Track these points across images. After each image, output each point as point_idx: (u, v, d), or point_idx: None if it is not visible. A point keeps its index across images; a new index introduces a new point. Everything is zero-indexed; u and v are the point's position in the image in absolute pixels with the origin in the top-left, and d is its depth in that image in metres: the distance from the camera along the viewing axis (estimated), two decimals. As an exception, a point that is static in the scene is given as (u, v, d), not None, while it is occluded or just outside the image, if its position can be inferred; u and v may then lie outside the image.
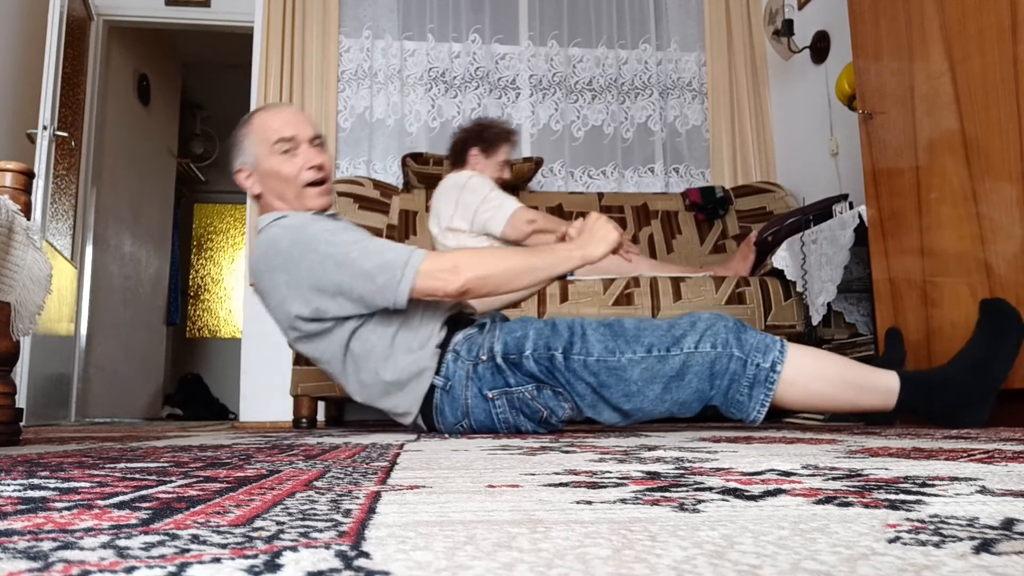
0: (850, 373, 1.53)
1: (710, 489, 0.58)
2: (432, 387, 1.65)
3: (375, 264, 1.55)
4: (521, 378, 1.59)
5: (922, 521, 0.42)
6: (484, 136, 2.86)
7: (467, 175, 2.78)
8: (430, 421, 1.69)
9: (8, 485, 0.65)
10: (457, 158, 2.91)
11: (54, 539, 0.38)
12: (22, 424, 1.60)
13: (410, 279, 1.53)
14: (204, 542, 0.37)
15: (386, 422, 3.26)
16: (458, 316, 1.73)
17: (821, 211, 2.58)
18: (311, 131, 1.73)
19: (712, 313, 1.56)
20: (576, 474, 0.71)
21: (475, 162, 2.85)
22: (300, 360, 2.67)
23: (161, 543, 0.37)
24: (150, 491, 0.59)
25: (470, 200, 2.67)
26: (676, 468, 0.76)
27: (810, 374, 1.50)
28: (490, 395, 1.61)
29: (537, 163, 3.50)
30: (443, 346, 1.65)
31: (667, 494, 0.55)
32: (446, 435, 1.66)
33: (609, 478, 0.67)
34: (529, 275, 1.62)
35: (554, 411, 1.60)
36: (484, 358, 1.60)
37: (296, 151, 1.70)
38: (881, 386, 1.52)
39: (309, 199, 1.71)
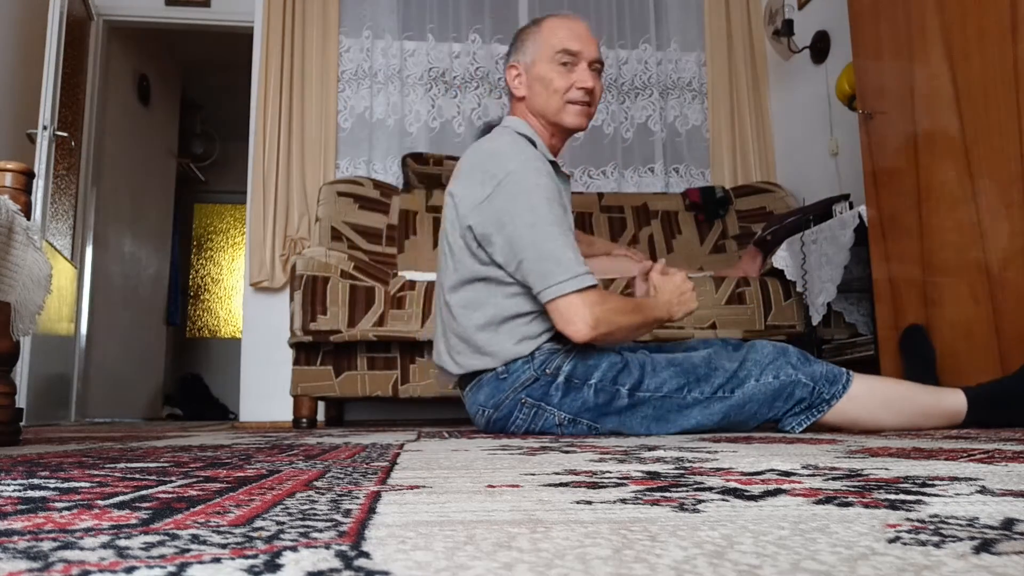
0: (917, 403, 1.54)
1: (710, 489, 0.58)
2: (491, 370, 1.63)
3: (551, 251, 1.53)
4: (566, 403, 1.58)
5: (922, 521, 0.42)
6: None
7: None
8: (464, 385, 1.69)
9: (8, 485, 0.65)
10: None
11: (54, 539, 0.38)
12: (22, 424, 1.60)
13: (562, 290, 1.51)
14: (204, 542, 0.37)
15: (386, 422, 3.26)
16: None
17: (821, 211, 2.58)
18: (595, 54, 1.72)
19: (775, 346, 1.57)
20: (576, 474, 0.71)
21: None
22: (300, 360, 2.68)
23: (161, 543, 0.37)
24: (150, 491, 0.59)
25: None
26: (676, 468, 0.76)
27: (874, 405, 1.52)
28: (524, 400, 1.60)
29: (537, 163, 3.50)
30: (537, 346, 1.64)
31: (667, 494, 0.55)
32: (444, 432, 1.66)
33: (609, 478, 0.67)
34: (636, 334, 1.64)
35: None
36: (548, 372, 1.59)
37: (574, 67, 1.69)
38: (949, 409, 1.52)
39: (568, 115, 1.69)
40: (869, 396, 1.52)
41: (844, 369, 1.55)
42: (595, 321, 1.51)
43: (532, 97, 1.71)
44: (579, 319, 1.51)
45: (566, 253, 1.53)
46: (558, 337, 1.63)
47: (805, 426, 1.53)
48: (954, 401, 1.52)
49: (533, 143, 1.69)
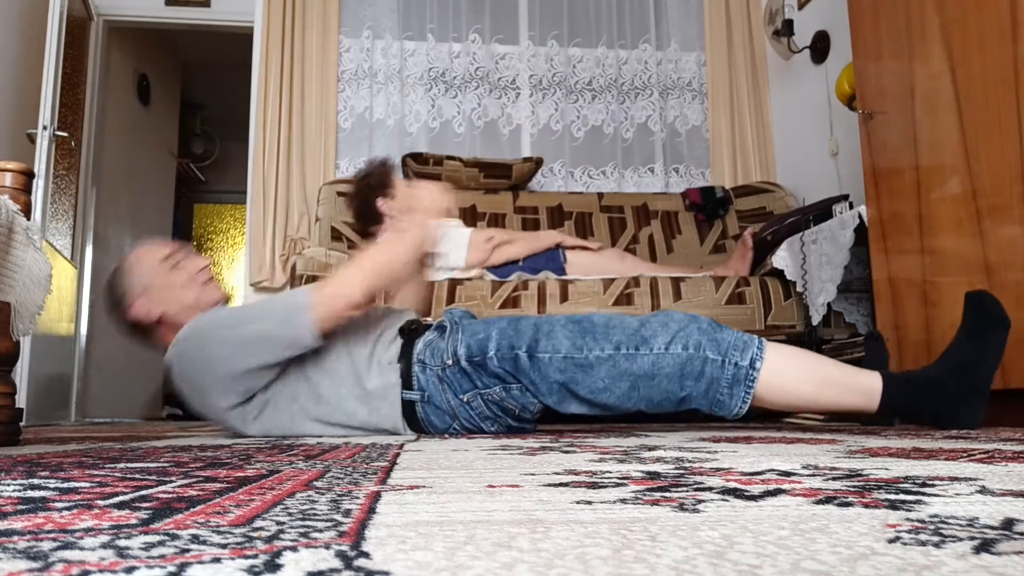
0: (830, 372, 1.50)
1: (710, 489, 0.58)
2: (412, 402, 1.64)
3: (272, 322, 1.57)
4: (488, 380, 1.58)
5: (922, 521, 0.42)
6: (375, 183, 2.86)
7: None
8: (420, 432, 1.69)
9: (8, 485, 0.65)
10: (372, 219, 2.89)
11: (54, 539, 0.38)
12: (22, 424, 1.60)
13: (309, 317, 1.54)
14: (204, 542, 0.37)
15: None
16: (410, 325, 1.72)
17: (821, 211, 2.58)
18: (180, 246, 1.83)
19: (685, 314, 1.54)
20: (576, 474, 0.71)
21: (388, 208, 2.85)
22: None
23: (161, 543, 0.37)
24: (150, 491, 0.59)
25: None
26: (676, 468, 0.76)
27: (788, 373, 1.48)
28: (465, 398, 1.61)
29: (537, 163, 3.50)
30: (405, 357, 1.65)
31: (667, 494, 0.55)
32: (445, 435, 1.66)
33: (609, 478, 0.67)
34: (400, 260, 1.65)
35: (525, 407, 1.60)
36: (449, 362, 1.60)
37: (180, 262, 1.76)
38: (863, 386, 1.48)
39: (209, 293, 1.75)
40: (778, 358, 1.47)
41: (755, 335, 1.51)
42: (342, 282, 1.57)
43: (170, 307, 1.73)
44: (332, 291, 1.56)
45: (274, 311, 1.60)
46: (413, 334, 1.68)
47: (747, 401, 1.47)
48: (869, 380, 1.49)
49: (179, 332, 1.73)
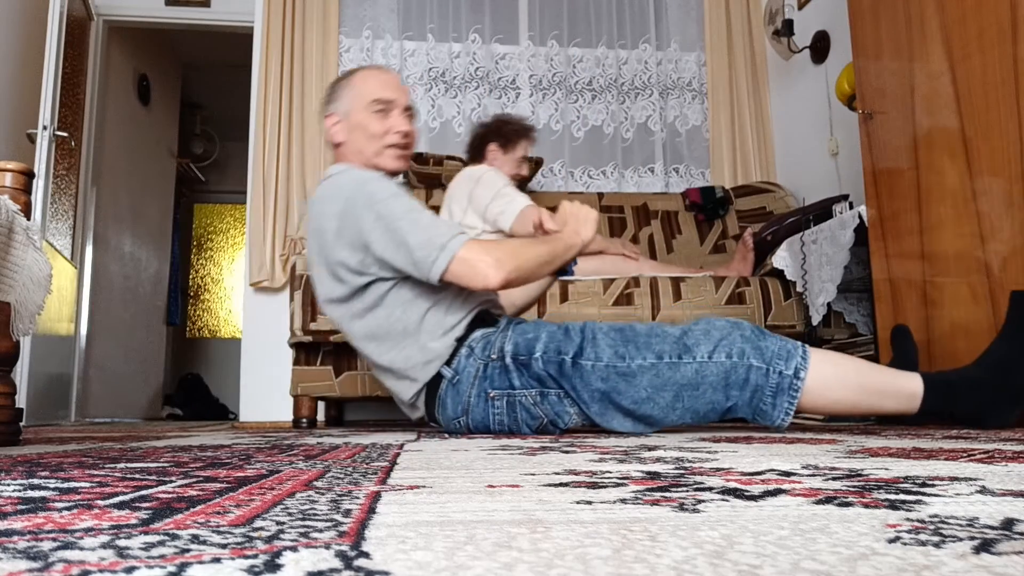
0: (872, 379, 1.50)
1: (710, 489, 0.58)
2: (440, 376, 1.66)
3: (418, 239, 1.57)
4: (527, 381, 1.59)
5: (922, 521, 0.42)
6: (503, 131, 2.87)
7: (483, 169, 2.77)
8: (431, 410, 1.70)
9: (8, 485, 0.65)
10: (475, 152, 2.91)
11: (54, 539, 0.38)
12: (22, 424, 1.60)
13: (444, 261, 1.54)
14: (204, 542, 0.37)
15: (386, 422, 3.26)
16: (484, 315, 1.73)
17: (821, 211, 2.58)
18: (407, 101, 1.80)
19: (729, 320, 1.54)
20: (576, 474, 0.71)
21: (493, 157, 2.85)
22: (300, 360, 2.68)
23: (161, 543, 0.37)
24: (150, 491, 0.59)
25: (483, 194, 2.67)
26: (676, 468, 0.76)
27: (830, 381, 1.48)
28: (492, 394, 1.61)
29: (537, 163, 3.50)
30: (461, 340, 1.67)
31: (667, 494, 0.55)
32: (445, 434, 1.66)
33: (609, 478, 0.67)
34: (550, 264, 1.67)
35: (559, 416, 1.59)
36: (494, 357, 1.61)
37: (389, 114, 1.75)
38: (904, 391, 1.49)
39: (387, 159, 1.75)
40: (821, 366, 1.48)
41: (799, 343, 1.51)
42: (496, 260, 1.55)
43: (351, 143, 1.76)
44: (482, 264, 1.55)
45: (428, 232, 1.57)
46: (479, 320, 1.69)
47: (791, 412, 1.47)
48: (911, 384, 1.49)
49: (355, 169, 1.75)
